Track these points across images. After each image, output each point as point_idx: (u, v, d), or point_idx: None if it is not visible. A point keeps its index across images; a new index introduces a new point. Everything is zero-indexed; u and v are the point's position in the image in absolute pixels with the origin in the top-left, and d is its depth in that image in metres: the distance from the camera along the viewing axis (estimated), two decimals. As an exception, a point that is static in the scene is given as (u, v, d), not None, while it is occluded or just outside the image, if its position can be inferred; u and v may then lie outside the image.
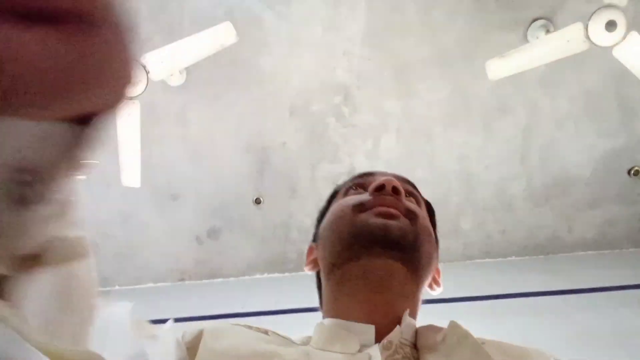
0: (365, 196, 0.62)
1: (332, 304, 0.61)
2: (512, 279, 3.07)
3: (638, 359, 2.21)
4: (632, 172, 3.14)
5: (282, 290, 3.18)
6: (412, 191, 0.68)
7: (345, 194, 0.69)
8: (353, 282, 0.59)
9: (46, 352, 0.25)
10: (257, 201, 3.27)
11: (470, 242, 3.37)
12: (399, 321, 0.56)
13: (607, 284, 2.87)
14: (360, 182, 0.69)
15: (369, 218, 0.59)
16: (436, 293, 0.66)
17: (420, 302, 0.63)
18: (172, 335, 0.53)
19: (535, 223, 3.31)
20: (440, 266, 0.78)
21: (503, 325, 2.55)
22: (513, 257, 3.39)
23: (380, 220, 0.58)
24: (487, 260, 3.40)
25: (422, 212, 0.65)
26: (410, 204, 0.63)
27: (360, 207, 0.61)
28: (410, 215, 0.61)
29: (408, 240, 0.58)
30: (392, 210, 0.59)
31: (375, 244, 0.57)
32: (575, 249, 3.36)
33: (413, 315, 0.60)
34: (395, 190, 0.61)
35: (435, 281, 0.64)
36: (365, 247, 0.58)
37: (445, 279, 0.85)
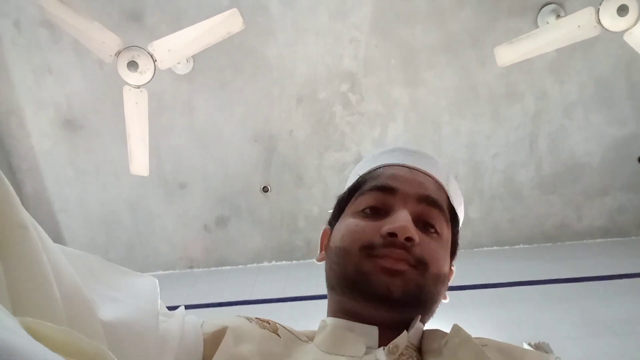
0: (376, 237, 0.59)
1: (336, 303, 0.63)
2: (521, 267, 3.07)
3: (646, 347, 2.21)
4: (643, 159, 3.11)
5: (290, 278, 3.20)
6: (431, 222, 0.63)
7: (363, 210, 0.65)
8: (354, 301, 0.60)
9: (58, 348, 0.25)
10: (265, 189, 3.27)
11: (478, 230, 3.36)
12: (404, 325, 0.57)
13: (616, 272, 2.86)
14: (380, 200, 0.64)
15: (374, 272, 0.57)
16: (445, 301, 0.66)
17: (436, 305, 0.63)
18: (191, 317, 0.54)
19: (543, 211, 3.30)
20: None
21: (511, 313, 2.55)
22: (521, 245, 3.39)
23: (383, 280, 0.56)
24: (495, 248, 3.40)
25: (439, 249, 0.62)
26: (424, 251, 0.59)
27: (368, 250, 0.59)
28: (421, 265, 0.58)
29: (411, 296, 0.56)
30: (399, 266, 0.57)
31: (376, 301, 0.56)
32: (584, 237, 3.35)
33: (425, 319, 0.61)
34: (408, 239, 0.58)
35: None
36: (365, 299, 0.57)
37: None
